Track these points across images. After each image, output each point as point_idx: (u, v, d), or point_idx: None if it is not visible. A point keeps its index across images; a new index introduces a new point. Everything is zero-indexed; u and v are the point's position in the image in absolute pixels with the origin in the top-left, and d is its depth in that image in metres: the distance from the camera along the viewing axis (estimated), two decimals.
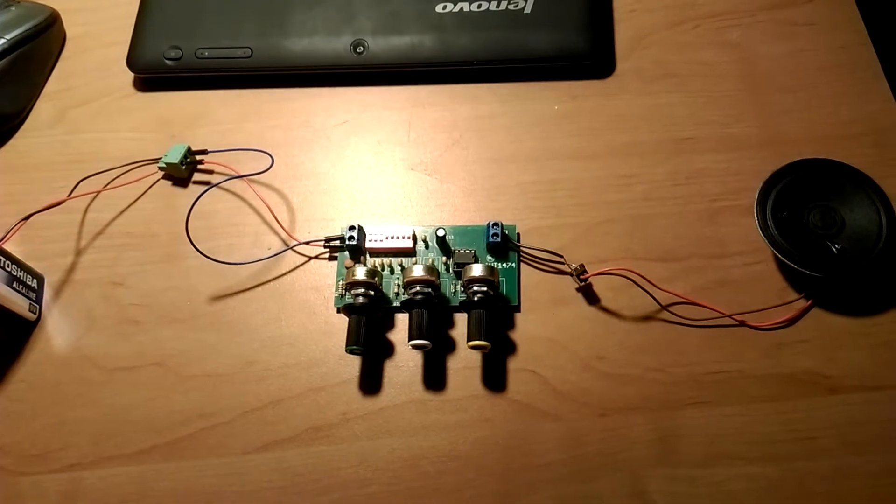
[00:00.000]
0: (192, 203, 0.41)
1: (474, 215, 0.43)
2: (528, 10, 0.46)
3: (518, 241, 0.42)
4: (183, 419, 0.39)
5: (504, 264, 0.41)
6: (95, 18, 0.51)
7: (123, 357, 0.40)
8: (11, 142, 0.47)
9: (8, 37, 0.47)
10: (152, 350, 0.40)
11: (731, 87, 0.45)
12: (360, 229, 0.41)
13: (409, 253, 0.41)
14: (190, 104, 0.48)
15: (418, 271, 0.38)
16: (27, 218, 0.41)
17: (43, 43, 0.48)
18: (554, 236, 0.42)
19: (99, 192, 0.44)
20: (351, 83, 0.47)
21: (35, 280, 0.42)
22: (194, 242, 0.41)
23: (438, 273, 0.39)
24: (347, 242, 0.41)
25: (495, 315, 0.39)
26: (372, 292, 0.39)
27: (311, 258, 0.42)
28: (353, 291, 0.39)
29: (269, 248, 0.43)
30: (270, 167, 0.43)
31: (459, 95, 0.47)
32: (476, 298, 0.38)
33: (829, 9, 0.47)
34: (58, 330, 0.41)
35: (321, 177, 0.45)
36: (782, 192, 0.39)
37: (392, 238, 0.41)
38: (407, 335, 0.38)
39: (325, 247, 0.42)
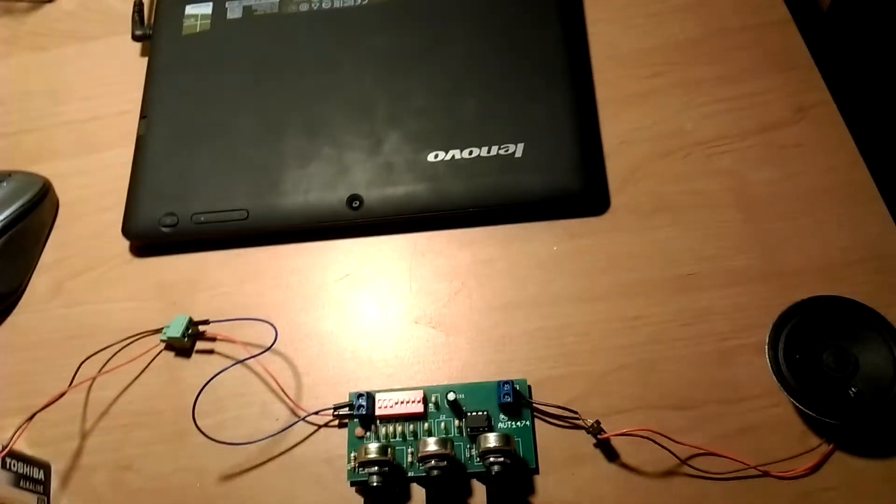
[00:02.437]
0: (198, 385, 0.40)
1: (483, 369, 0.42)
2: (518, 154, 0.46)
3: (530, 395, 0.41)
4: None
5: (518, 423, 0.40)
6: (88, 182, 0.51)
7: None
8: (10, 319, 0.47)
9: (2, 216, 0.46)
10: None
11: (727, 217, 0.45)
12: (370, 396, 0.41)
13: (421, 417, 0.41)
14: (188, 268, 0.47)
15: (432, 445, 0.38)
16: (31, 418, 0.40)
17: (37, 216, 0.48)
18: (566, 387, 0.41)
19: (100, 373, 0.43)
20: (348, 235, 0.47)
21: (41, 471, 0.41)
22: (200, 419, 0.40)
23: (452, 443, 0.38)
24: (357, 412, 0.40)
25: (514, 484, 0.38)
26: (386, 468, 0.38)
27: (320, 426, 0.42)
28: (366, 470, 0.38)
29: (277, 419, 0.42)
30: (274, 343, 0.42)
31: (458, 241, 0.47)
32: (494, 472, 0.37)
33: (817, 129, 0.47)
34: None
35: (325, 337, 0.44)
36: (792, 334, 0.39)
37: (402, 403, 0.40)
38: None
39: (334, 416, 0.41)
